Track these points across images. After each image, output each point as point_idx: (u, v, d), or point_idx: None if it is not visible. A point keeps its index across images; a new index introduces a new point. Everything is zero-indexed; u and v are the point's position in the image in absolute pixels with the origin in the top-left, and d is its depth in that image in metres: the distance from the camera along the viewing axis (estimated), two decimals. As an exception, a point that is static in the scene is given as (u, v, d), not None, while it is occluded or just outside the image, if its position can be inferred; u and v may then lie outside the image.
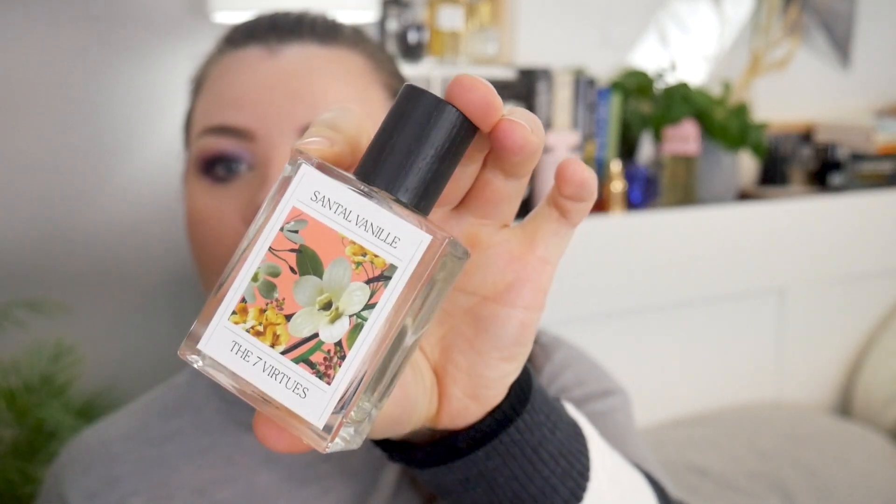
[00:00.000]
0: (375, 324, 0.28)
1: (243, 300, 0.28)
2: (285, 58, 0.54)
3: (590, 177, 0.32)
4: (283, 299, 0.28)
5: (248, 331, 0.28)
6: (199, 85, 0.58)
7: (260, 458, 0.56)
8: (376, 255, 0.28)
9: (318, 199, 0.28)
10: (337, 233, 0.28)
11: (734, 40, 1.90)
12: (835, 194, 1.80)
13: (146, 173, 1.33)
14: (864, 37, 2.10)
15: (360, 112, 0.33)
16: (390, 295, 0.28)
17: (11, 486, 1.03)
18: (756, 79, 1.78)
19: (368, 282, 0.28)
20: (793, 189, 1.87)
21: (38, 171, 1.26)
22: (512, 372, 0.35)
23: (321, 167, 0.28)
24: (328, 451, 0.28)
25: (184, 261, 1.36)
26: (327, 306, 0.28)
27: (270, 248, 0.28)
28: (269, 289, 0.28)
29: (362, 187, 0.28)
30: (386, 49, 0.61)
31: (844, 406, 1.84)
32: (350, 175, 0.29)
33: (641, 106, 1.68)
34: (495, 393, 0.35)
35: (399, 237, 0.28)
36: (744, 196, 1.81)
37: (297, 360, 0.28)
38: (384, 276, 0.28)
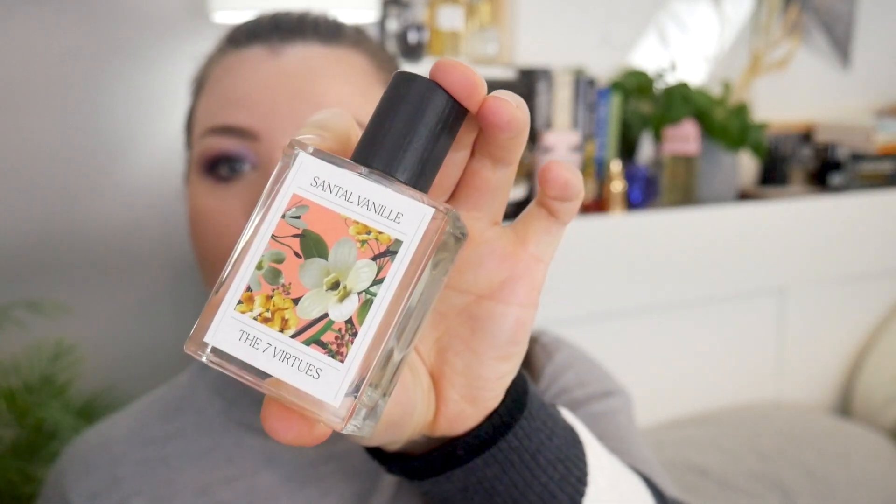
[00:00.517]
0: (385, 298, 0.28)
1: (248, 289, 0.28)
2: (288, 57, 0.54)
3: (572, 177, 0.32)
4: (290, 284, 0.28)
5: (255, 318, 0.28)
6: (200, 85, 0.58)
7: (261, 458, 0.56)
8: (380, 232, 0.28)
9: (318, 184, 0.28)
10: (339, 214, 0.28)
11: (734, 40, 1.90)
12: (835, 194, 1.80)
13: (146, 173, 1.33)
14: (864, 37, 2.10)
15: (350, 114, 0.33)
16: (398, 269, 0.28)
17: (11, 486, 1.03)
18: (756, 79, 1.78)
19: (375, 258, 0.28)
20: (793, 189, 1.87)
21: (38, 171, 1.26)
22: (508, 372, 0.35)
23: (317, 154, 0.29)
24: (344, 431, 0.28)
25: (184, 261, 1.36)
26: (335, 286, 0.28)
27: (273, 236, 0.28)
28: (274, 275, 0.28)
29: (361, 169, 0.29)
30: (387, 49, 0.61)
31: (844, 406, 1.84)
32: (347, 160, 0.29)
33: (641, 106, 1.68)
34: (492, 395, 0.35)
35: (402, 212, 0.28)
36: (744, 196, 1.81)
37: (307, 342, 0.28)
38: (390, 252, 0.28)
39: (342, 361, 0.28)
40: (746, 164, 1.91)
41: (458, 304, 0.34)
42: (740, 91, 1.75)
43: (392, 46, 1.44)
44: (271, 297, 0.28)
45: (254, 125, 0.52)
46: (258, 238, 0.28)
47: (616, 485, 0.40)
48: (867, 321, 1.83)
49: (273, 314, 0.28)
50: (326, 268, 0.28)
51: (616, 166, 1.54)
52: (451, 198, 0.34)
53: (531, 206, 0.34)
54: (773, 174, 1.93)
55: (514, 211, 1.36)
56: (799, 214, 1.66)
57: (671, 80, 1.68)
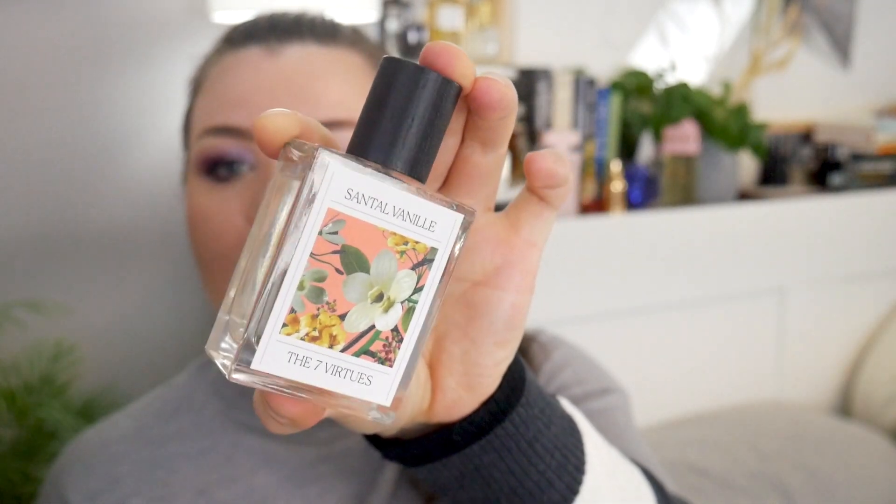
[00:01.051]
0: (425, 303, 0.30)
1: (292, 311, 0.28)
2: (285, 58, 0.54)
3: (555, 166, 0.33)
4: (335, 301, 0.28)
5: (302, 338, 0.28)
6: (198, 85, 0.58)
7: (260, 458, 0.56)
8: (417, 242, 0.29)
9: (353, 197, 0.28)
10: (377, 227, 0.28)
11: (734, 40, 1.90)
12: (835, 194, 1.80)
13: (146, 173, 1.33)
14: (864, 37, 2.10)
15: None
16: (435, 275, 0.29)
17: (11, 486, 1.03)
18: (756, 79, 1.78)
19: (414, 267, 0.29)
20: (793, 189, 1.87)
21: (38, 171, 1.26)
22: (505, 358, 0.35)
23: (346, 163, 0.28)
24: (388, 421, 0.30)
25: (184, 261, 1.36)
26: (379, 298, 0.29)
27: (312, 254, 0.28)
28: (318, 294, 0.28)
29: (389, 173, 0.29)
30: (385, 49, 0.61)
31: (844, 406, 1.84)
32: (368, 162, 0.29)
33: (641, 106, 1.68)
34: (489, 381, 0.35)
35: (435, 221, 0.29)
36: (744, 196, 1.81)
37: (357, 354, 0.29)
38: (427, 260, 0.29)
39: (391, 366, 0.29)
40: (746, 164, 1.91)
41: (455, 292, 0.34)
42: (740, 91, 1.75)
43: (392, 46, 1.44)
44: (317, 315, 0.28)
45: (251, 126, 0.52)
46: (296, 259, 0.27)
47: (614, 474, 0.40)
48: (867, 321, 1.83)
49: (321, 332, 0.28)
50: (369, 281, 0.28)
51: (616, 166, 1.54)
52: (444, 185, 0.34)
53: (522, 192, 0.35)
54: (773, 174, 1.93)
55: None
56: (799, 214, 1.66)
57: (671, 80, 1.68)
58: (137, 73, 1.31)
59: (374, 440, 0.39)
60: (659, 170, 1.66)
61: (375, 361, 0.29)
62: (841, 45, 2.08)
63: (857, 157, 1.88)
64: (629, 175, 1.59)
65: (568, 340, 0.66)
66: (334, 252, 0.28)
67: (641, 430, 1.17)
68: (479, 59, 1.54)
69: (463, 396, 0.35)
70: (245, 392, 0.59)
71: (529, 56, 1.64)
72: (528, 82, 1.54)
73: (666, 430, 1.51)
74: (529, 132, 1.55)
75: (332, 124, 0.51)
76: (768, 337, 1.70)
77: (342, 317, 0.28)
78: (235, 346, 0.28)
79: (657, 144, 1.69)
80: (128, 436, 0.60)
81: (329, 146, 0.29)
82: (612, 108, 1.63)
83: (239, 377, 0.28)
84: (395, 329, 0.29)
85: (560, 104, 1.55)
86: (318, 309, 0.28)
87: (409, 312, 0.29)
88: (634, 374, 1.43)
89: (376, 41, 0.61)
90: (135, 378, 1.30)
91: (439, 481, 0.37)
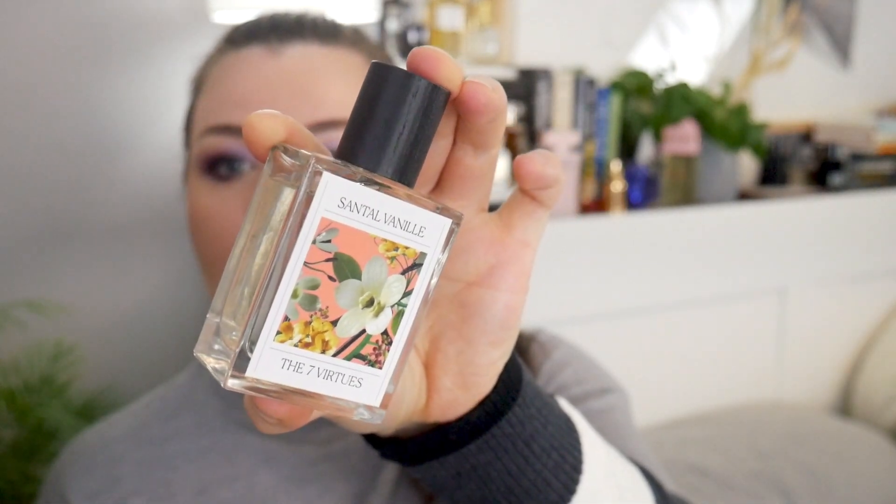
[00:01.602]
0: (414, 306, 0.30)
1: (286, 318, 0.28)
2: (287, 57, 0.54)
3: (544, 169, 0.33)
4: (327, 307, 0.29)
5: (295, 345, 0.28)
6: (199, 85, 0.58)
7: (260, 458, 0.56)
8: (407, 247, 0.29)
9: (346, 206, 0.28)
10: (369, 234, 0.29)
11: (734, 40, 1.90)
12: (835, 194, 1.80)
13: (146, 173, 1.33)
14: (864, 37, 2.10)
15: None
16: (423, 278, 0.30)
17: (11, 486, 1.03)
18: (756, 79, 1.78)
19: (404, 272, 0.30)
20: (793, 189, 1.87)
21: (38, 171, 1.26)
22: (500, 358, 0.35)
23: (339, 171, 0.28)
24: (377, 421, 0.31)
25: (184, 261, 1.36)
26: (370, 303, 0.29)
27: (306, 263, 0.28)
28: (311, 301, 0.28)
29: (380, 181, 0.29)
30: (385, 49, 0.61)
31: (844, 406, 1.84)
32: (359, 168, 0.29)
33: (641, 106, 1.68)
34: (485, 381, 0.35)
35: (425, 226, 0.30)
36: (744, 196, 1.81)
37: (348, 358, 0.29)
38: (416, 265, 0.30)
39: (380, 368, 0.30)
40: (746, 164, 1.91)
41: (449, 293, 0.35)
42: (740, 91, 1.75)
43: (392, 46, 1.44)
44: (310, 322, 0.28)
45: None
46: (290, 267, 0.28)
47: (612, 474, 0.40)
48: (867, 321, 1.83)
49: (313, 338, 0.29)
50: (361, 287, 0.29)
51: (616, 166, 1.54)
52: (436, 186, 0.34)
53: (514, 193, 0.35)
54: (773, 174, 1.93)
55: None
56: (799, 214, 1.66)
57: (671, 80, 1.68)
58: (137, 72, 1.31)
59: (372, 439, 0.39)
60: (659, 170, 1.66)
61: (366, 364, 0.30)
62: (841, 45, 2.08)
63: (857, 157, 1.88)
64: (629, 175, 1.59)
65: (567, 340, 0.66)
66: (327, 260, 0.28)
67: (641, 430, 1.17)
68: (479, 59, 1.54)
69: (459, 396, 0.35)
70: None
71: (529, 56, 1.64)
72: (528, 82, 1.54)
73: (666, 430, 1.51)
74: (529, 132, 1.55)
75: (333, 124, 0.52)
76: (768, 337, 1.70)
77: (334, 323, 0.29)
78: (230, 351, 0.28)
79: (657, 144, 1.69)
80: (128, 435, 0.60)
81: (320, 153, 0.29)
82: (612, 108, 1.63)
83: (234, 384, 0.28)
84: (384, 332, 0.30)
85: (560, 104, 1.55)
86: (312, 316, 0.28)
87: (398, 316, 0.30)
88: (634, 374, 1.43)
89: (377, 41, 0.61)
90: (135, 378, 1.30)
91: (436, 480, 0.38)
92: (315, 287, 0.28)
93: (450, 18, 1.49)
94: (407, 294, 0.30)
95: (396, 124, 0.29)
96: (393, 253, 0.29)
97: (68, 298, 1.25)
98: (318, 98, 0.52)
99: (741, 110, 1.64)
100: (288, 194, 0.28)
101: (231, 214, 0.52)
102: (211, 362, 0.29)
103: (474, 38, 1.54)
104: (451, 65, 0.29)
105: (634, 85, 1.66)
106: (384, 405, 0.31)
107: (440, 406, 0.35)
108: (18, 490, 1.03)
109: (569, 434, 0.38)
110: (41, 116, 1.26)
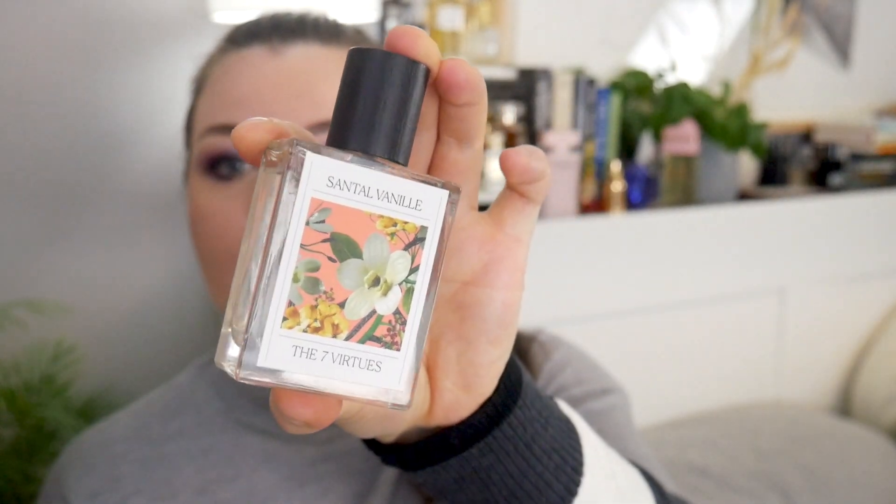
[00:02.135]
0: (423, 283, 0.30)
1: (290, 303, 0.28)
2: (289, 57, 0.54)
3: (530, 161, 0.33)
4: (332, 289, 0.28)
5: (304, 330, 0.28)
6: (200, 85, 0.58)
7: (260, 458, 0.56)
8: (406, 222, 0.29)
9: (335, 184, 0.28)
10: (363, 212, 0.28)
11: (734, 40, 1.90)
12: (835, 194, 1.80)
13: (146, 173, 1.33)
14: (864, 37, 2.10)
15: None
16: (429, 253, 0.30)
17: (12, 486, 1.03)
18: (756, 79, 1.78)
19: (407, 248, 0.29)
20: (793, 189, 1.87)
21: (38, 171, 1.26)
22: (500, 357, 0.35)
23: (325, 151, 0.28)
24: (405, 406, 0.30)
25: (184, 260, 1.36)
26: (376, 282, 0.29)
27: (302, 245, 0.28)
28: (313, 284, 0.28)
29: (368, 158, 0.29)
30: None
31: (844, 406, 1.84)
32: (347, 152, 0.29)
33: (641, 106, 1.68)
34: (486, 381, 0.35)
35: (421, 199, 0.29)
36: (744, 196, 1.81)
37: (362, 341, 0.29)
38: (419, 239, 0.29)
39: (398, 350, 0.29)
40: (746, 164, 1.91)
41: (446, 294, 0.35)
42: (740, 91, 1.75)
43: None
44: (316, 306, 0.28)
45: None
46: (287, 251, 0.27)
47: (613, 476, 0.40)
48: (867, 321, 1.83)
49: (322, 322, 0.28)
50: (363, 266, 0.29)
51: (616, 166, 1.54)
52: None
53: (503, 190, 0.35)
54: (773, 174, 1.93)
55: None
56: (799, 214, 1.66)
57: (671, 80, 1.68)
58: (137, 73, 1.31)
59: (374, 445, 0.39)
60: (659, 170, 1.66)
61: (382, 346, 0.29)
62: (841, 45, 2.08)
63: (857, 157, 1.88)
64: (629, 175, 1.59)
65: (568, 340, 0.66)
66: (324, 241, 0.28)
67: (641, 430, 1.17)
68: (479, 59, 1.54)
69: (461, 397, 0.35)
70: (245, 391, 0.59)
71: (529, 56, 1.64)
72: (528, 82, 1.54)
73: (666, 430, 1.52)
74: (529, 132, 1.55)
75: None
76: (768, 337, 1.70)
77: (341, 304, 0.28)
78: (239, 347, 0.28)
79: (657, 144, 1.69)
80: (128, 435, 0.60)
81: (305, 140, 0.29)
82: (612, 108, 1.63)
83: (246, 376, 0.27)
84: (397, 312, 0.29)
85: (560, 104, 1.55)
86: (317, 299, 0.28)
87: (408, 294, 0.29)
88: (634, 374, 1.43)
89: (377, 41, 0.61)
90: (135, 378, 1.30)
91: (438, 484, 0.37)
92: (315, 269, 0.28)
93: (450, 18, 1.49)
94: (414, 271, 0.29)
95: (379, 103, 0.29)
96: (392, 229, 0.29)
97: (68, 298, 1.25)
98: (319, 98, 0.52)
99: (741, 110, 1.64)
100: (277, 182, 0.28)
101: (232, 214, 0.52)
102: (227, 367, 0.29)
103: (474, 38, 1.54)
104: (429, 41, 0.29)
105: (634, 85, 1.66)
106: (410, 388, 0.30)
107: (443, 409, 0.35)
108: (18, 490, 1.03)
109: (569, 436, 0.38)
110: (41, 116, 1.26)
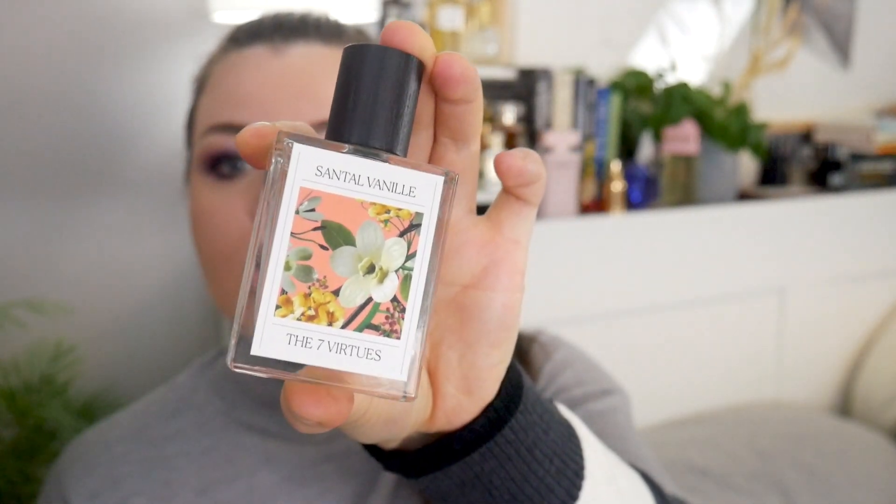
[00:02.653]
0: (421, 270, 0.29)
1: (283, 292, 0.27)
2: (290, 57, 0.54)
3: (524, 164, 0.33)
4: (325, 277, 0.28)
5: (299, 319, 0.28)
6: (202, 84, 0.58)
7: (261, 458, 0.56)
8: (400, 209, 0.29)
9: (324, 173, 0.28)
10: (355, 199, 0.28)
11: (734, 40, 1.90)
12: (835, 194, 1.80)
13: (147, 173, 1.33)
14: (864, 37, 2.10)
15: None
16: (426, 240, 0.29)
17: (12, 486, 1.03)
18: (756, 79, 1.78)
19: (402, 234, 0.29)
20: (793, 189, 1.87)
21: (38, 171, 1.26)
22: (501, 360, 0.35)
23: (312, 141, 0.28)
24: (415, 398, 0.29)
25: (184, 261, 1.36)
26: (371, 269, 0.28)
27: (292, 234, 0.28)
28: (306, 272, 0.28)
29: (359, 149, 0.29)
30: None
31: (844, 406, 1.84)
32: (338, 143, 0.29)
33: (641, 106, 1.68)
34: (487, 384, 0.35)
35: (414, 185, 0.29)
36: (744, 196, 1.81)
37: (360, 329, 0.28)
38: (414, 225, 0.29)
39: (398, 338, 0.29)
40: (746, 164, 1.91)
41: (445, 297, 0.35)
42: (740, 91, 1.75)
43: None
44: (309, 294, 0.28)
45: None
46: (277, 239, 0.28)
47: (614, 479, 0.40)
48: (867, 321, 1.83)
49: (317, 310, 0.28)
50: (357, 253, 0.28)
51: (616, 166, 1.54)
52: None
53: (500, 193, 0.35)
54: (773, 174, 1.93)
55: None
56: (799, 214, 1.66)
57: (671, 80, 1.68)
58: (138, 73, 1.31)
59: (375, 452, 0.39)
60: (659, 170, 1.66)
61: (380, 335, 0.29)
62: (841, 45, 2.08)
63: (857, 157, 1.88)
64: (629, 175, 1.59)
65: (568, 341, 0.66)
66: (315, 229, 0.28)
67: (641, 430, 1.18)
68: (478, 59, 1.54)
69: (463, 402, 0.35)
70: (246, 391, 0.59)
71: (529, 56, 1.64)
72: (528, 82, 1.54)
73: (666, 430, 1.52)
74: (529, 132, 1.55)
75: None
76: (768, 337, 1.70)
77: (336, 292, 0.28)
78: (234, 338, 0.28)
79: (657, 144, 1.69)
80: (129, 435, 0.60)
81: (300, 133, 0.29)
82: (612, 108, 1.63)
83: (241, 366, 0.27)
84: (394, 300, 0.29)
85: (560, 104, 1.55)
86: (310, 287, 0.28)
87: (406, 281, 0.29)
88: (634, 374, 1.43)
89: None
90: (135, 378, 1.30)
91: (440, 490, 0.37)
92: (307, 257, 0.28)
93: (450, 18, 1.49)
94: (411, 257, 0.29)
95: (376, 96, 0.29)
96: (385, 216, 0.29)
97: (68, 298, 1.25)
98: (320, 97, 0.52)
99: (741, 110, 1.64)
100: (268, 174, 0.28)
101: (233, 213, 0.52)
102: (228, 359, 0.29)
103: (474, 38, 1.54)
104: (423, 35, 0.30)
105: (634, 85, 1.66)
106: (415, 379, 0.29)
107: (445, 413, 0.35)
108: (18, 490, 1.03)
109: (570, 440, 0.38)
110: (42, 116, 1.26)
